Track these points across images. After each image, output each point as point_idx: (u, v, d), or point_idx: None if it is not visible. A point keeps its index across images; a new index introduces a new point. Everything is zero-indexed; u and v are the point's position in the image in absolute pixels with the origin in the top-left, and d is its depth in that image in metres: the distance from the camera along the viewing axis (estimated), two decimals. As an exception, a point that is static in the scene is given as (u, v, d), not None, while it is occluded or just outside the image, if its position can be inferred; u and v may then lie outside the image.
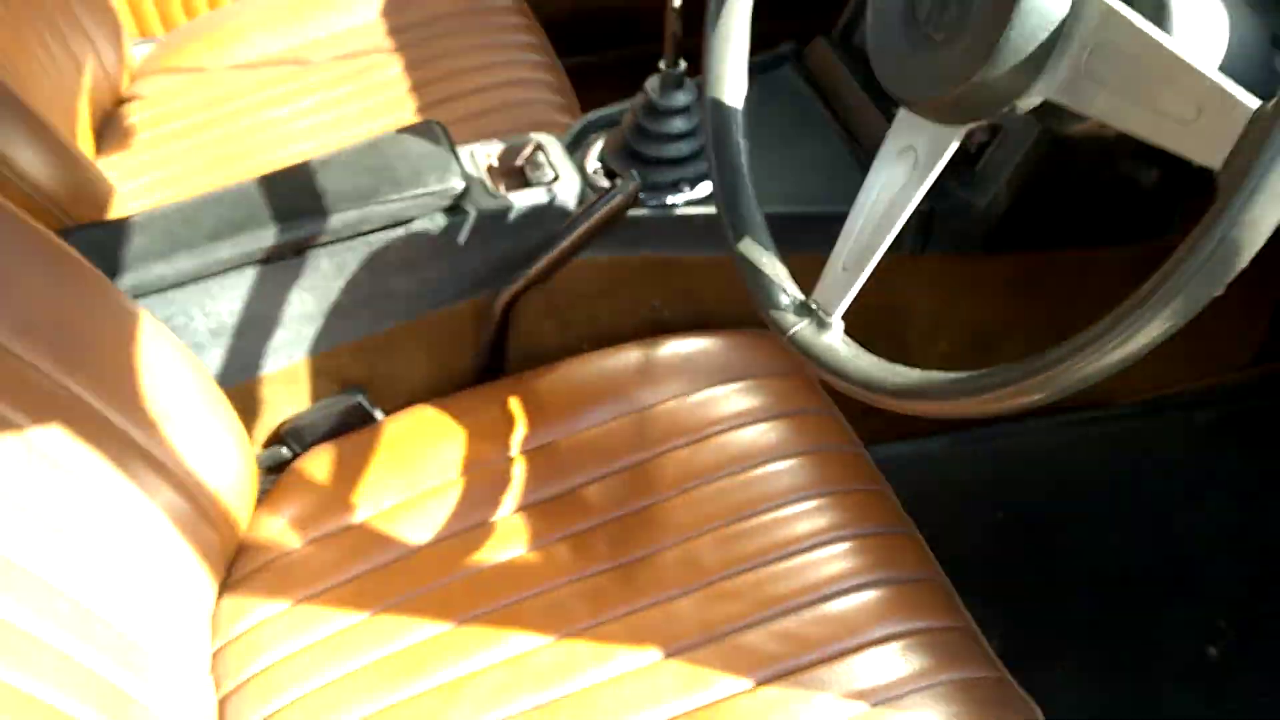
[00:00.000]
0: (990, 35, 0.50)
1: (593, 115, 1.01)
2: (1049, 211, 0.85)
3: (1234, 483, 1.09)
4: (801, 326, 0.64)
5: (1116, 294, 0.46)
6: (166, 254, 0.83)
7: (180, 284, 0.85)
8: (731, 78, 0.71)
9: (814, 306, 0.65)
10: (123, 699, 0.66)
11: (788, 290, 0.66)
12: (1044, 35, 0.49)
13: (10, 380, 0.66)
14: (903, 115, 0.59)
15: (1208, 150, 0.43)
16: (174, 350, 0.79)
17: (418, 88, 1.20)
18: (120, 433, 0.73)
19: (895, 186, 0.60)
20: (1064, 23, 0.48)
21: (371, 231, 0.87)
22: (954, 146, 0.56)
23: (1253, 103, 0.42)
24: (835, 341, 0.63)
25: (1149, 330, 0.44)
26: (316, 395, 0.92)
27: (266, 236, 0.85)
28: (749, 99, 0.72)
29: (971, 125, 0.55)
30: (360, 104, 1.20)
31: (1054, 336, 0.50)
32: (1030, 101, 0.51)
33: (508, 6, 1.29)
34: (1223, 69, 0.48)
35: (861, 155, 0.94)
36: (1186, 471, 1.11)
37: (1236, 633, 0.99)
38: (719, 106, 0.70)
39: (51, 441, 0.68)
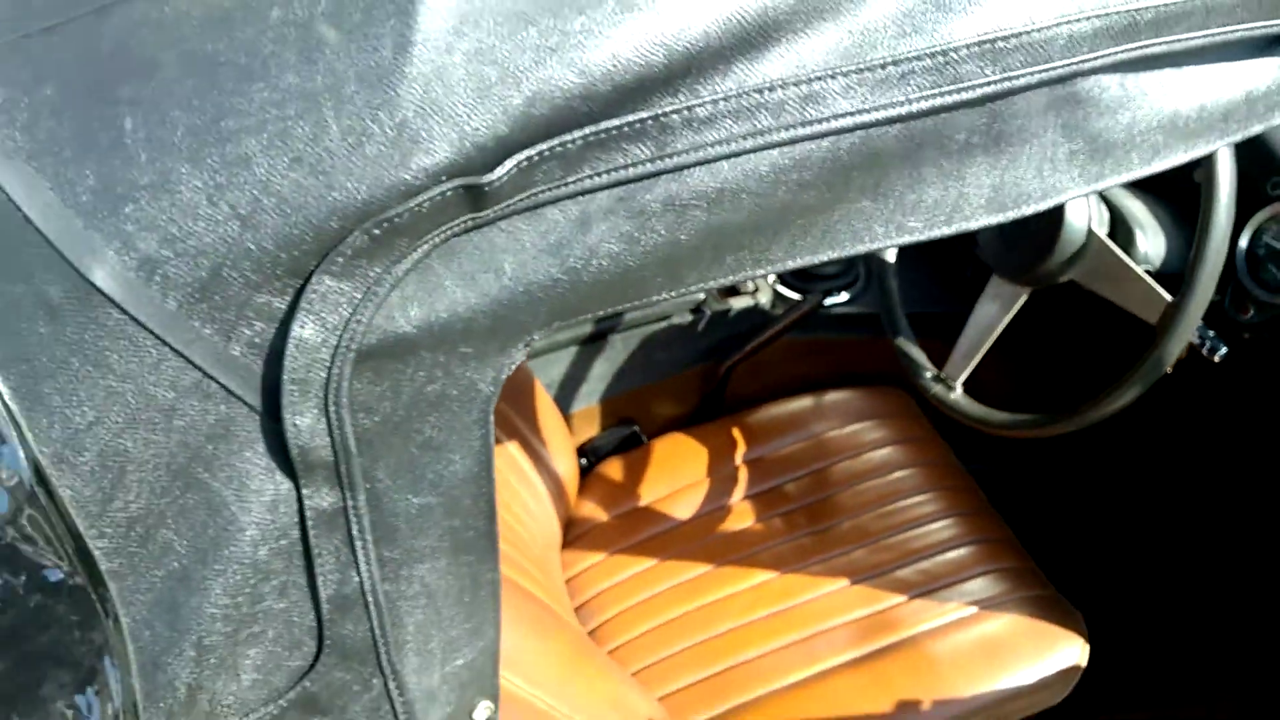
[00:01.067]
0: (1046, 245, 1.00)
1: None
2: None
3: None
4: (938, 389, 1.14)
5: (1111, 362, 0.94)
6: (527, 338, 1.35)
7: (536, 355, 1.36)
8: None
9: (944, 377, 1.14)
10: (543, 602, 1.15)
11: (928, 368, 1.16)
12: (1071, 250, 0.98)
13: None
14: (995, 278, 1.09)
15: (1150, 315, 0.92)
16: (545, 394, 1.30)
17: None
18: (534, 447, 1.23)
19: (991, 315, 1.09)
20: (1082, 245, 0.98)
21: (646, 324, 1.38)
22: (1025, 297, 1.06)
23: (1168, 296, 0.91)
24: (959, 398, 1.12)
25: (1122, 398, 0.93)
26: (604, 425, 1.43)
27: (585, 328, 1.35)
28: None
29: (1034, 288, 1.05)
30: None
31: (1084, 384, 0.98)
32: (1065, 279, 1.01)
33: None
34: (1163, 265, 0.98)
35: (978, 272, 1.42)
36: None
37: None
38: (883, 263, 1.21)
39: (516, 453, 1.18)
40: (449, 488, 0.52)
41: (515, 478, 1.16)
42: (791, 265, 0.53)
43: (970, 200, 0.53)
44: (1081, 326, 1.29)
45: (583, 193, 0.47)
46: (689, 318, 1.39)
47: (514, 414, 1.19)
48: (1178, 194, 1.03)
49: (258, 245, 0.44)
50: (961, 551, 1.23)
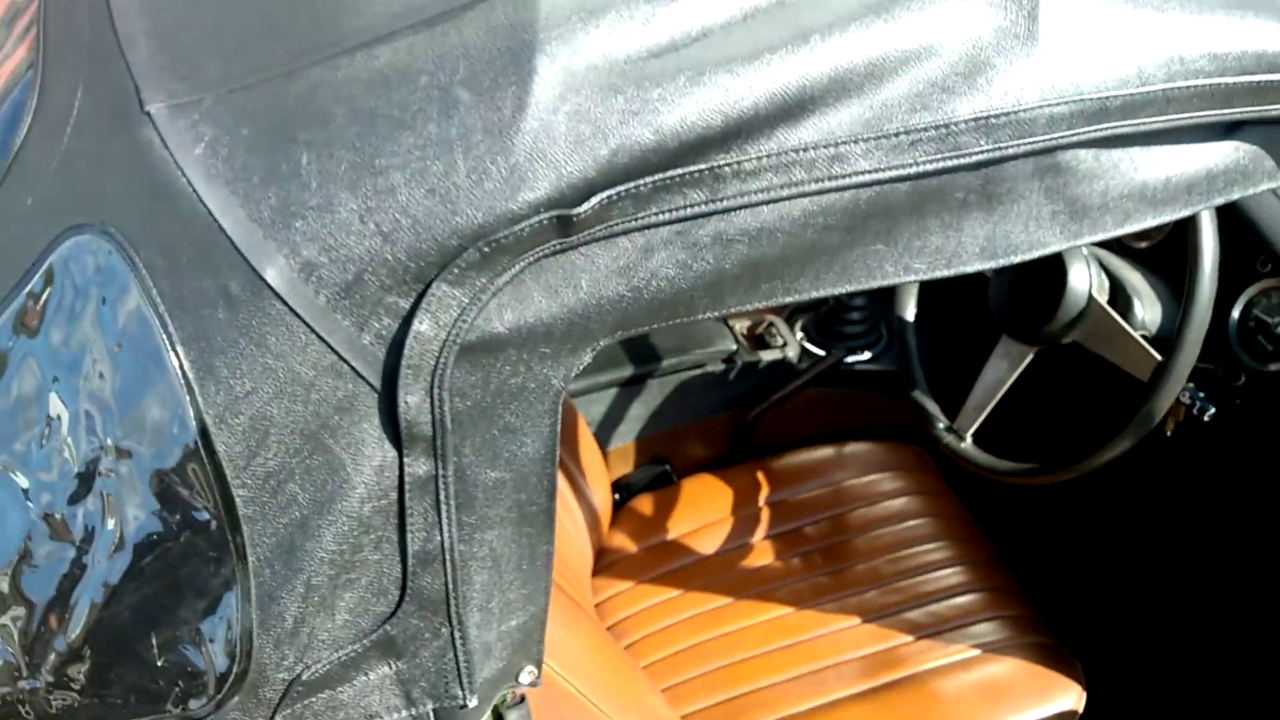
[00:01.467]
0: (1052, 309, 1.10)
1: (798, 305, 1.63)
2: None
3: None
4: (950, 439, 1.23)
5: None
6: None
7: (580, 394, 1.47)
8: (910, 304, 1.32)
9: (955, 428, 1.24)
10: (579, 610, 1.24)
11: (942, 420, 1.25)
12: (1074, 313, 1.08)
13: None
14: (1005, 338, 1.18)
15: (1143, 374, 1.01)
16: (587, 431, 1.40)
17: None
18: (574, 477, 1.33)
19: (1000, 372, 1.19)
20: (1083, 309, 1.08)
21: (682, 370, 1.49)
22: (1031, 356, 1.16)
23: (1158, 356, 1.00)
24: (969, 447, 1.21)
25: (1116, 449, 1.02)
26: (639, 463, 1.53)
27: (626, 371, 1.46)
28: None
29: (1039, 348, 1.15)
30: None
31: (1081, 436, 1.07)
32: (1069, 340, 1.11)
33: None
34: (1159, 331, 1.08)
35: (990, 333, 1.50)
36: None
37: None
38: (904, 322, 1.31)
39: (557, 480, 1.28)
40: (520, 466, 0.62)
41: (556, 502, 1.26)
42: (815, 295, 0.64)
43: (967, 248, 0.63)
44: (1083, 385, 1.38)
45: (649, 226, 0.58)
46: (721, 367, 1.50)
47: (565, 452, 1.30)
48: (1173, 268, 1.13)
49: (393, 256, 0.55)
50: (968, 598, 1.31)
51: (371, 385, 0.58)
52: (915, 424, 1.31)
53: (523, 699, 0.73)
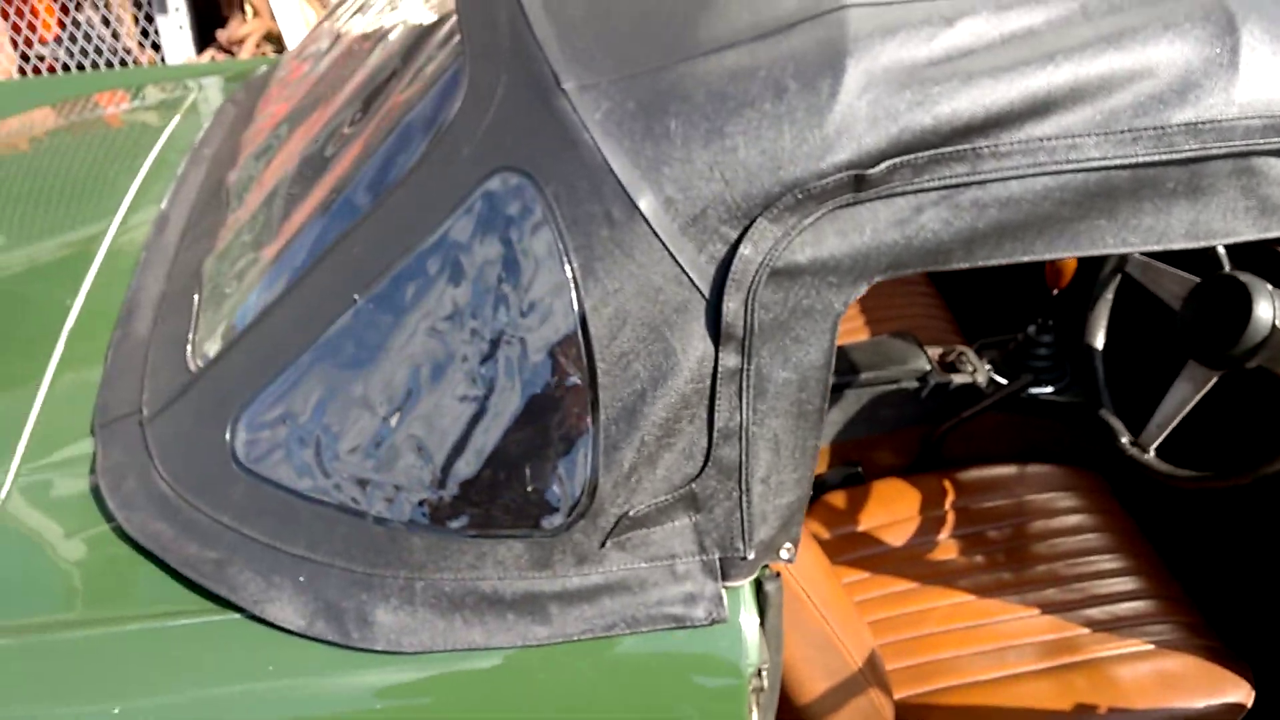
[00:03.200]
0: (1235, 336, 1.18)
1: (986, 340, 1.74)
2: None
3: None
4: (1135, 451, 1.31)
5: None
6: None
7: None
8: (1099, 334, 1.41)
9: (1139, 442, 1.32)
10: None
11: (1126, 434, 1.33)
12: (1258, 339, 1.16)
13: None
14: (1191, 363, 1.26)
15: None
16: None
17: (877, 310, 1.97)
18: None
19: (1186, 392, 1.27)
20: (1266, 337, 1.15)
21: (880, 384, 1.62)
22: (1214, 380, 1.23)
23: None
24: (1152, 458, 1.29)
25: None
26: (832, 464, 1.66)
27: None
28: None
29: (1222, 371, 1.22)
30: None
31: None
32: (1252, 364, 1.18)
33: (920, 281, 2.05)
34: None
35: (1165, 362, 1.57)
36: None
37: None
38: (1093, 350, 1.40)
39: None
40: (803, 370, 0.79)
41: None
42: (1046, 257, 0.78)
43: (1174, 229, 0.76)
44: (1259, 405, 1.43)
45: (922, 190, 0.75)
46: (915, 384, 1.62)
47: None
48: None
49: (730, 197, 0.74)
50: (1143, 603, 1.36)
51: (702, 294, 0.76)
52: (1094, 448, 1.39)
53: (778, 575, 0.87)
